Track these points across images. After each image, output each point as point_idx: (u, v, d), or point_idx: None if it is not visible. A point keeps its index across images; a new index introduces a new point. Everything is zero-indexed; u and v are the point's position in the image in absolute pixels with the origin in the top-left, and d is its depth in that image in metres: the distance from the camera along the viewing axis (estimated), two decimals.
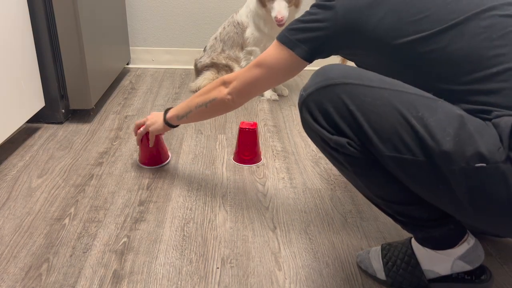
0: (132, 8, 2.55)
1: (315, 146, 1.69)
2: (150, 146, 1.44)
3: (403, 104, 0.79)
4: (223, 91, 1.13)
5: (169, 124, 1.35)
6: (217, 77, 2.17)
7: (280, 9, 1.89)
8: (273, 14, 1.91)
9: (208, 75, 2.19)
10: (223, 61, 2.16)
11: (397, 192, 0.88)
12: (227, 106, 1.15)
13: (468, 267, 0.93)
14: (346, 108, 0.83)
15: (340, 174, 1.49)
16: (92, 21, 1.83)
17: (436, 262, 0.94)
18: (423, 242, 0.95)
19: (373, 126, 0.80)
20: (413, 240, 0.98)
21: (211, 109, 1.18)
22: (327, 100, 0.85)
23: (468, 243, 0.92)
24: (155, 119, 1.40)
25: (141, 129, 1.42)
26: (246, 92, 1.10)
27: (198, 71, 2.25)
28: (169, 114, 1.33)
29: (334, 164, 0.93)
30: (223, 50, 2.18)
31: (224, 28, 2.19)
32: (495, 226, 0.82)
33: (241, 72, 1.09)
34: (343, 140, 0.84)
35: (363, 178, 0.89)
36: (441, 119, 0.76)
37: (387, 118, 0.79)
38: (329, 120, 0.85)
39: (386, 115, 0.79)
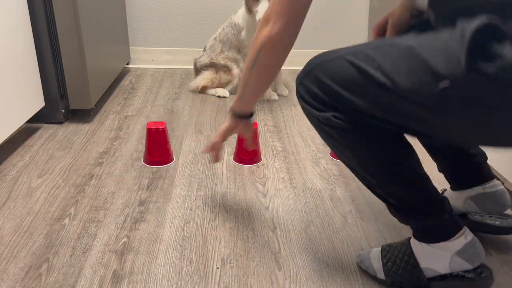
0: (132, 8, 2.55)
1: (315, 146, 1.70)
2: (251, 148, 1.42)
3: (362, 60, 0.84)
4: (265, 32, 0.96)
5: (239, 116, 1.13)
6: (215, 77, 2.17)
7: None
8: (258, 17, 1.88)
9: (206, 74, 2.19)
10: (222, 62, 2.17)
11: (389, 165, 0.91)
12: (278, 45, 0.97)
13: (467, 266, 0.93)
14: (323, 83, 0.89)
15: (340, 174, 1.49)
16: (92, 21, 1.83)
17: (434, 259, 0.94)
18: (419, 236, 0.96)
19: (346, 89, 0.87)
20: (412, 239, 0.99)
21: (262, 63, 1.00)
22: (311, 83, 0.92)
23: (465, 238, 0.92)
24: (229, 123, 1.19)
25: (220, 136, 1.22)
26: (290, 15, 0.94)
27: (197, 70, 2.25)
28: (232, 106, 1.14)
29: (328, 141, 0.97)
30: (222, 51, 2.18)
31: (223, 29, 2.19)
32: (479, 138, 0.85)
33: (273, 3, 0.96)
34: (329, 114, 0.90)
35: (354, 150, 0.92)
36: (394, 59, 0.81)
37: (353, 78, 0.85)
38: (317, 99, 0.92)
39: (351, 77, 0.86)
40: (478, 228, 1.13)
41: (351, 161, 0.96)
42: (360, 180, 0.99)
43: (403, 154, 0.93)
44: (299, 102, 0.96)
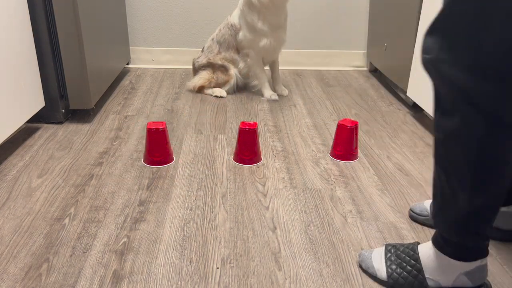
0: (132, 8, 2.55)
1: (315, 146, 1.70)
2: None
3: None
4: None
5: None
6: (213, 77, 2.18)
7: None
8: None
9: (204, 74, 2.20)
10: (219, 62, 2.17)
11: (498, 176, 0.82)
12: None
13: (469, 284, 0.93)
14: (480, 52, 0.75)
15: (340, 174, 1.49)
16: (92, 21, 1.83)
17: (441, 272, 0.93)
18: (443, 247, 0.93)
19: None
20: (420, 246, 0.98)
21: None
22: (460, 66, 0.78)
23: (481, 262, 0.92)
24: None
25: None
26: None
27: (196, 70, 2.26)
28: None
29: (445, 130, 0.83)
30: (219, 51, 2.18)
31: (220, 30, 2.20)
32: None
33: None
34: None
35: (473, 150, 0.80)
36: None
37: None
38: (472, 71, 0.76)
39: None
40: None
41: (459, 158, 0.83)
42: (443, 180, 0.88)
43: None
44: (439, 90, 0.81)
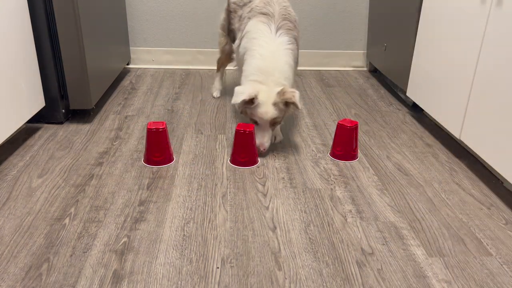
0: (132, 8, 2.55)
1: (315, 146, 1.70)
2: None
3: None
4: None
5: None
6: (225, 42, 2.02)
7: (263, 141, 1.55)
8: (257, 141, 1.55)
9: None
10: (219, 30, 2.07)
11: None
12: None
13: None
14: None
15: (340, 174, 1.49)
16: (92, 21, 1.83)
17: None
18: None
19: None
20: None
21: None
22: None
23: None
24: None
25: None
26: None
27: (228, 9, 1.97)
28: None
29: None
30: (225, 21, 1.98)
31: (240, 14, 1.82)
32: None
33: None
34: None
35: None
36: None
37: None
38: None
39: None
40: None
41: None
42: None
43: None
44: None
